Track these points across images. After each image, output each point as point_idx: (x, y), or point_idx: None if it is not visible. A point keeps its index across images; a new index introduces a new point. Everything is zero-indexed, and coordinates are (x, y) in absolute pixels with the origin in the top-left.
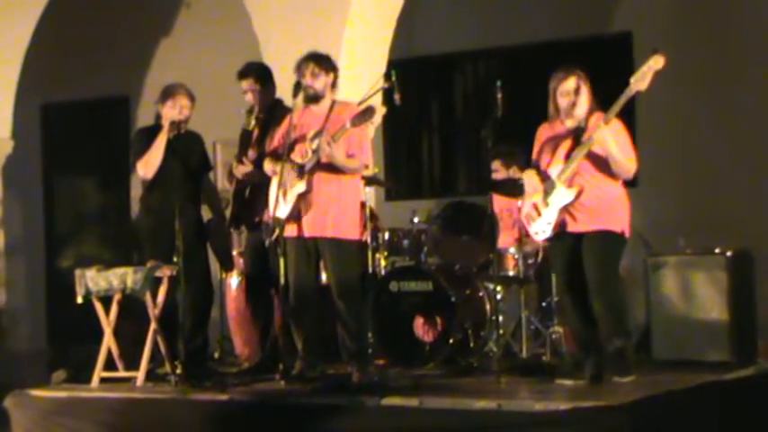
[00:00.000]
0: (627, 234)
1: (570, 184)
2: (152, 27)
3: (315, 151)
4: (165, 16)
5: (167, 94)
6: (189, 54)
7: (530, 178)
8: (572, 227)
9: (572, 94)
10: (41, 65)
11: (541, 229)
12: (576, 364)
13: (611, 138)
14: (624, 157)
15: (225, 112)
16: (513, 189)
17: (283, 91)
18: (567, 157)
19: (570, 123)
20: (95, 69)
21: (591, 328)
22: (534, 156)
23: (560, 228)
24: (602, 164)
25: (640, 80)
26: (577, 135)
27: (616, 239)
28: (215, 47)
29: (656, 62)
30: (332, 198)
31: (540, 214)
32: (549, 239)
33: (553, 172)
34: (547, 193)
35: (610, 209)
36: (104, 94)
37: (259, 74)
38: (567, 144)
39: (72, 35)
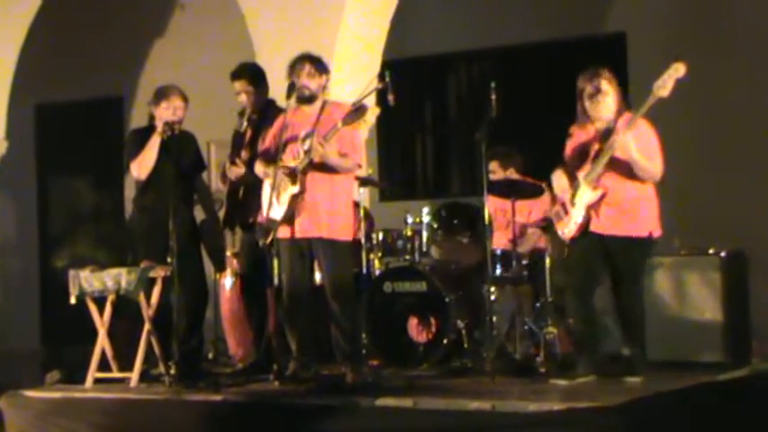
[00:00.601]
0: (655, 234)
1: (595, 186)
2: (146, 28)
3: (307, 152)
4: (159, 17)
5: (161, 95)
6: (183, 54)
7: (558, 178)
8: (596, 227)
9: (599, 95)
10: (35, 65)
11: (568, 228)
12: (570, 364)
13: (634, 143)
14: (648, 161)
15: (219, 113)
16: (508, 190)
17: (276, 92)
18: (595, 158)
19: (599, 125)
20: (89, 70)
21: (591, 328)
22: (566, 156)
23: (586, 227)
24: (626, 168)
25: (662, 87)
26: (605, 137)
27: (641, 245)
28: (209, 47)
29: (677, 70)
30: (324, 199)
31: (567, 213)
32: (574, 238)
33: (581, 173)
34: (574, 193)
35: (635, 211)
36: (98, 94)
37: (252, 74)
38: (595, 146)
39: (66, 36)
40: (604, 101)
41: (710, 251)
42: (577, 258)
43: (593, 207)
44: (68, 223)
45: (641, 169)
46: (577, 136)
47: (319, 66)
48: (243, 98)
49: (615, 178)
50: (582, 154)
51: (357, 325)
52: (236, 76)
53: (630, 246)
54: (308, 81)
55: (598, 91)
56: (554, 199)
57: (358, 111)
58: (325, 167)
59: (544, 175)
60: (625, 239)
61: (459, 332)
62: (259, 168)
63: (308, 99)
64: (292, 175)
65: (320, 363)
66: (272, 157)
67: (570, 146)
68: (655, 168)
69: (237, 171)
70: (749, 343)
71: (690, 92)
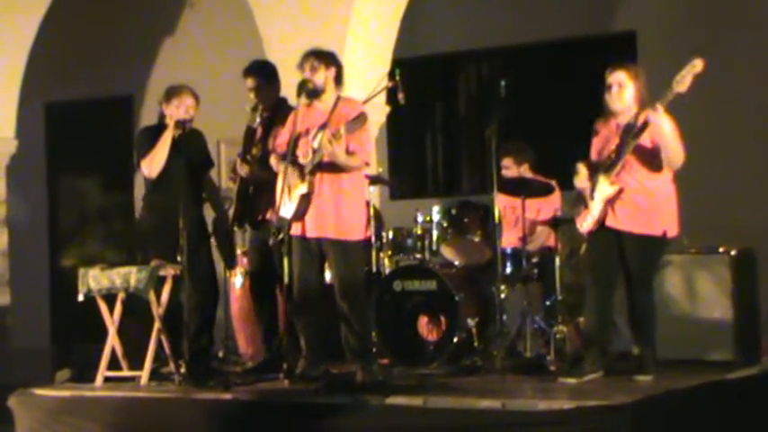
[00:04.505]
0: (671, 233)
1: (614, 181)
2: (156, 26)
3: (315, 151)
4: (169, 15)
5: (172, 93)
6: (193, 53)
7: (580, 171)
8: (612, 222)
9: (614, 87)
10: (45, 64)
11: (586, 222)
12: (579, 360)
13: (667, 123)
14: (676, 143)
15: (229, 111)
16: (518, 188)
17: (287, 90)
18: (617, 151)
19: (621, 119)
20: (99, 68)
21: (604, 325)
22: (592, 150)
23: (602, 221)
24: (648, 158)
25: (680, 82)
26: (626, 132)
27: (656, 243)
28: (219, 46)
29: (695, 66)
30: (332, 199)
31: (586, 207)
32: (591, 232)
33: (602, 167)
34: (593, 187)
35: (651, 209)
36: (108, 93)
37: (264, 71)
38: (615, 140)
39: (76, 34)
40: (620, 93)
41: (720, 250)
42: (595, 253)
43: (611, 202)
44: (78, 222)
45: (669, 149)
46: (602, 131)
47: (325, 58)
48: (254, 95)
49: (634, 174)
50: (604, 149)
51: (367, 324)
52: (248, 72)
53: (644, 243)
54: (312, 74)
55: (616, 82)
56: (578, 196)
57: (358, 119)
58: (333, 167)
59: (554, 173)
60: (639, 237)
61: (469, 331)
62: (274, 162)
63: (313, 93)
64: (301, 174)
65: (330, 361)
66: (284, 154)
67: (595, 141)
68: (681, 152)
69: (246, 168)
70: (759, 341)
71: (700, 90)
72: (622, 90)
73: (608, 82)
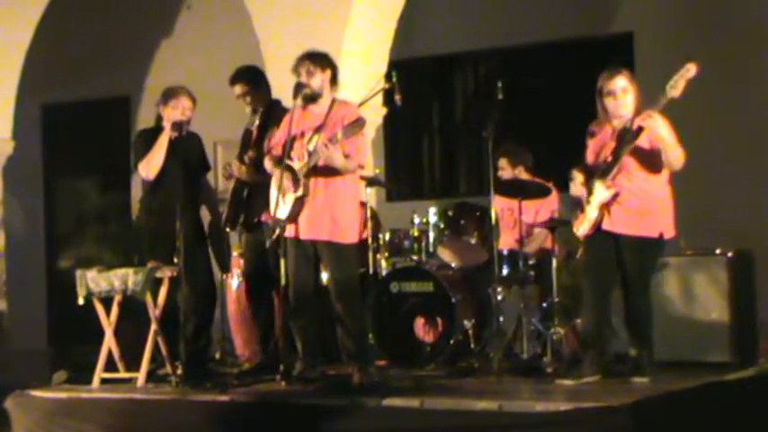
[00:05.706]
0: (667, 235)
1: (610, 185)
2: (153, 28)
3: (310, 153)
4: (166, 17)
5: (169, 95)
6: (189, 55)
7: (575, 177)
8: (609, 225)
9: (618, 93)
10: (42, 65)
11: (583, 227)
12: (577, 362)
13: (663, 125)
14: (676, 145)
15: (225, 114)
16: (515, 190)
17: (284, 92)
18: (613, 156)
19: (617, 123)
20: (96, 70)
21: (602, 328)
22: (588, 153)
23: (599, 225)
24: (647, 160)
25: (673, 87)
26: (621, 136)
27: (653, 245)
28: (216, 48)
29: (689, 70)
30: (327, 202)
31: (583, 212)
32: (588, 236)
33: (598, 171)
34: (589, 191)
35: (647, 211)
36: (105, 94)
37: (250, 77)
38: (611, 144)
39: (73, 36)
40: (624, 98)
41: (717, 251)
42: (593, 256)
43: (607, 206)
44: (75, 223)
45: (670, 151)
46: (597, 135)
47: (320, 61)
48: (244, 101)
49: (630, 177)
50: (597, 153)
51: (363, 325)
52: (234, 80)
53: (640, 246)
54: (308, 79)
55: (619, 89)
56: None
57: (356, 123)
58: (327, 170)
59: (551, 175)
60: (635, 239)
61: (465, 332)
62: (268, 165)
63: (310, 98)
64: (296, 177)
65: (327, 363)
66: (279, 156)
67: (590, 145)
68: (681, 153)
69: (241, 170)
70: (756, 343)
71: (697, 90)
72: (626, 95)
73: (608, 88)
